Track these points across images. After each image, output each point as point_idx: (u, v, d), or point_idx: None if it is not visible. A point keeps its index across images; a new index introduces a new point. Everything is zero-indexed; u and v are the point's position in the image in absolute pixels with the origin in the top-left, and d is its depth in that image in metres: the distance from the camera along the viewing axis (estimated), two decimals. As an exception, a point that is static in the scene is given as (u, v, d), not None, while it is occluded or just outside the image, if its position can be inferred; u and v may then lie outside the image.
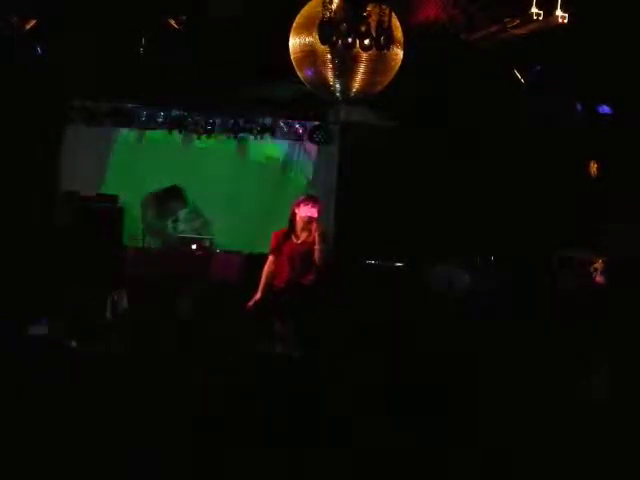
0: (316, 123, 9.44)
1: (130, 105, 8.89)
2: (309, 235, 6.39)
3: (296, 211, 6.41)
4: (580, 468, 3.42)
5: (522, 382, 4.11)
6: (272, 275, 6.45)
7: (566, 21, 5.09)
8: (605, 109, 7.73)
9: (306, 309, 5.86)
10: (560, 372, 4.22)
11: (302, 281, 6.34)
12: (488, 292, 6.92)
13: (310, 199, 6.50)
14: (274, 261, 6.46)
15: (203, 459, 3.63)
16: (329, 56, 5.30)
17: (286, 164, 9.63)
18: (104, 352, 5.67)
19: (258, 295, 6.39)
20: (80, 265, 7.74)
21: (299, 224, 6.41)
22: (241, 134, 9.24)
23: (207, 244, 8.86)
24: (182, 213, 8.99)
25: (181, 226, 9.00)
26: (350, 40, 5.13)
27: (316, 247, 6.33)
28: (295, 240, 6.43)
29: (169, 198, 8.92)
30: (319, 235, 6.36)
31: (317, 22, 5.18)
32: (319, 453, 3.49)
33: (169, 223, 8.94)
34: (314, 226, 6.36)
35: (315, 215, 6.39)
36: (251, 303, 6.36)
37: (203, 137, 9.15)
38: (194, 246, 8.77)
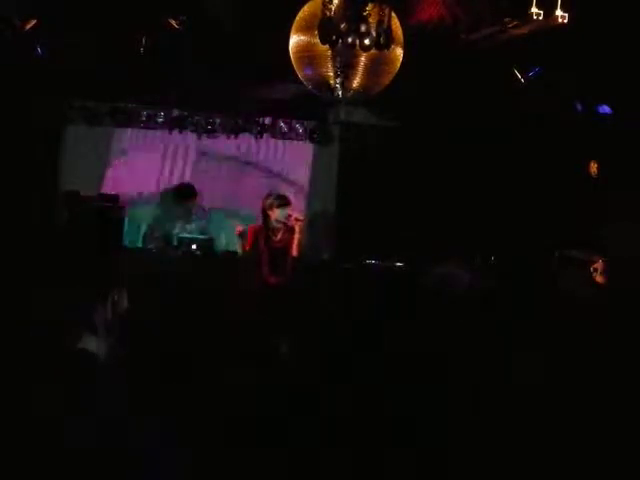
0: (316, 123, 9.44)
1: (130, 105, 8.89)
2: (286, 231, 6.45)
3: (269, 213, 6.43)
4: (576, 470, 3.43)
5: (522, 382, 4.11)
6: (251, 275, 6.44)
7: (566, 21, 5.09)
8: (605, 109, 7.73)
9: (292, 307, 5.86)
10: (560, 373, 4.21)
11: (280, 278, 6.38)
12: (488, 292, 6.91)
13: (282, 199, 6.53)
14: (250, 255, 6.45)
15: (203, 459, 3.63)
16: (329, 56, 5.30)
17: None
18: (104, 352, 5.65)
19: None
20: (80, 265, 7.73)
21: (274, 225, 6.45)
22: (241, 134, 9.25)
23: (207, 244, 8.83)
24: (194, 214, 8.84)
25: (191, 226, 8.89)
26: (350, 40, 5.13)
27: (295, 236, 6.40)
28: (274, 238, 6.46)
29: (183, 196, 8.81)
30: (300, 227, 6.44)
31: (317, 22, 5.18)
32: (318, 453, 3.50)
33: (179, 223, 8.79)
34: (292, 218, 6.43)
35: (291, 214, 6.45)
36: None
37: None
38: (194, 246, 8.74)
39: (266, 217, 6.49)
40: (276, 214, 6.42)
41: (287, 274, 6.41)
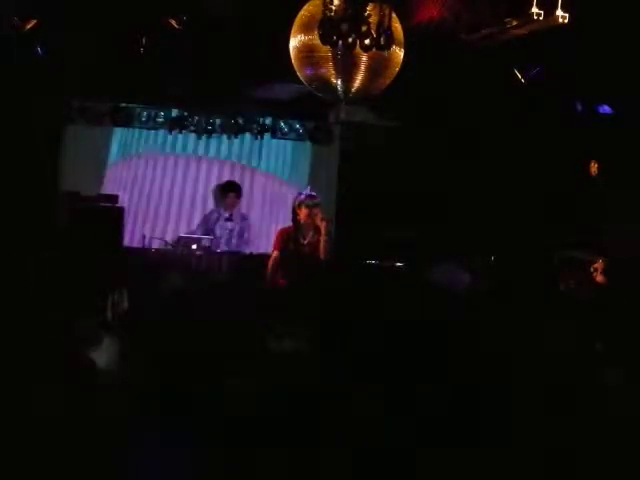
0: (316, 123, 9.43)
1: (130, 105, 8.88)
2: (315, 234, 6.33)
3: (298, 212, 6.33)
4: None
5: (523, 383, 4.11)
6: (276, 270, 6.33)
7: (566, 21, 5.09)
8: (605, 109, 7.73)
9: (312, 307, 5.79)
10: (560, 373, 4.21)
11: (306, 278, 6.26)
12: (488, 292, 6.91)
13: (311, 198, 6.40)
14: (278, 257, 6.34)
15: (203, 459, 3.63)
16: (330, 56, 5.30)
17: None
18: (104, 351, 5.65)
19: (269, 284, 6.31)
20: (80, 265, 7.73)
21: (304, 225, 6.33)
22: (241, 134, 9.25)
23: (207, 244, 8.82)
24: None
25: (229, 224, 8.79)
26: (351, 40, 5.13)
27: (322, 238, 6.25)
28: (302, 241, 6.34)
29: (226, 192, 8.79)
30: (325, 227, 6.29)
31: (318, 22, 5.18)
32: (320, 454, 3.49)
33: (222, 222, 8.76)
34: (318, 218, 6.29)
35: (318, 213, 6.33)
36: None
37: None
38: (194, 246, 8.74)
39: (295, 216, 6.38)
40: (304, 213, 6.30)
41: (315, 277, 6.28)
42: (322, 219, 6.35)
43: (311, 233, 6.36)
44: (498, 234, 8.31)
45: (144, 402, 3.51)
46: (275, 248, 6.44)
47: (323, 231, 6.30)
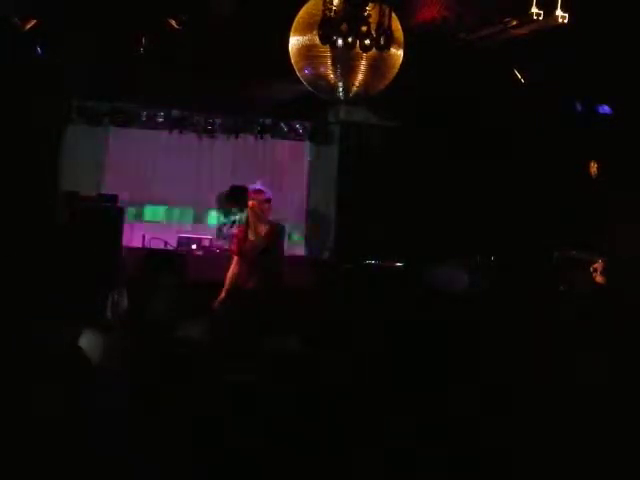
0: (316, 123, 9.43)
1: (130, 105, 8.89)
2: (265, 230, 6.17)
3: (250, 205, 6.14)
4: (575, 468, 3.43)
5: (522, 383, 4.11)
6: (237, 276, 6.18)
7: (566, 21, 5.09)
8: (605, 109, 7.73)
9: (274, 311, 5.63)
10: (560, 373, 4.22)
11: (264, 280, 6.13)
12: (488, 292, 6.91)
13: (260, 192, 6.17)
14: (238, 261, 6.19)
15: (203, 459, 3.63)
16: (329, 56, 5.31)
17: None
18: (104, 352, 5.65)
19: (222, 295, 6.10)
20: (80, 265, 7.73)
21: (252, 219, 6.14)
22: (241, 134, 9.25)
23: (207, 244, 8.83)
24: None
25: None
26: (350, 40, 5.13)
27: (258, 238, 6.10)
28: (251, 237, 6.18)
29: (231, 198, 8.75)
30: (266, 231, 6.13)
31: (317, 22, 5.19)
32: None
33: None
34: (255, 215, 6.13)
35: (259, 211, 6.13)
36: (216, 303, 6.09)
37: None
38: (194, 246, 8.74)
39: (248, 211, 6.24)
40: (254, 206, 6.13)
41: (270, 275, 6.12)
42: (259, 220, 6.16)
43: (261, 228, 6.14)
44: (498, 234, 8.31)
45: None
46: (234, 252, 6.26)
47: (262, 234, 6.11)
